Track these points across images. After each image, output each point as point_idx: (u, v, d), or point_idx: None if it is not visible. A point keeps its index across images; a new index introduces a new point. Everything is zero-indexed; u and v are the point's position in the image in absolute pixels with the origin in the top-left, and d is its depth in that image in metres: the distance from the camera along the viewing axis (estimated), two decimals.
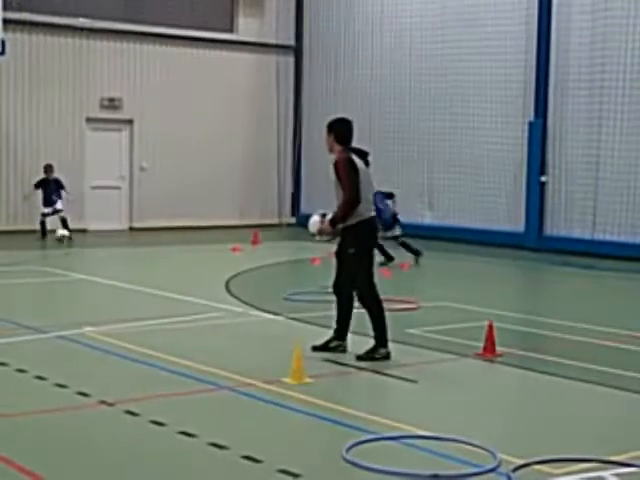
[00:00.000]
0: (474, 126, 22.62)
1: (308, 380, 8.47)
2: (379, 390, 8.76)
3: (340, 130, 9.72)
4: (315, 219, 9.90)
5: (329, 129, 9.75)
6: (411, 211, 22.80)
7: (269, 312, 12.27)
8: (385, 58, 24.92)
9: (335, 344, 9.78)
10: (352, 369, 9.15)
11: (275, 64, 27.43)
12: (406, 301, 12.95)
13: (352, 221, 9.49)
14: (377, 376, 8.95)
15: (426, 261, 16.97)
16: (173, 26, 25.35)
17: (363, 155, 9.79)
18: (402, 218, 18.44)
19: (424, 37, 23.72)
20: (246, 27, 26.91)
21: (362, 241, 9.55)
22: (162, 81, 25.17)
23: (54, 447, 6.65)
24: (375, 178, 10.09)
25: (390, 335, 9.60)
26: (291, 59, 27.74)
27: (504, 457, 6.37)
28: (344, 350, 9.72)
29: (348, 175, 9.45)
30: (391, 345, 9.57)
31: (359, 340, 9.82)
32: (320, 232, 9.83)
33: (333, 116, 10.17)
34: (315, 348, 9.77)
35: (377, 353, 9.49)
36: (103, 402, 7.67)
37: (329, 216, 9.68)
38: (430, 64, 23.58)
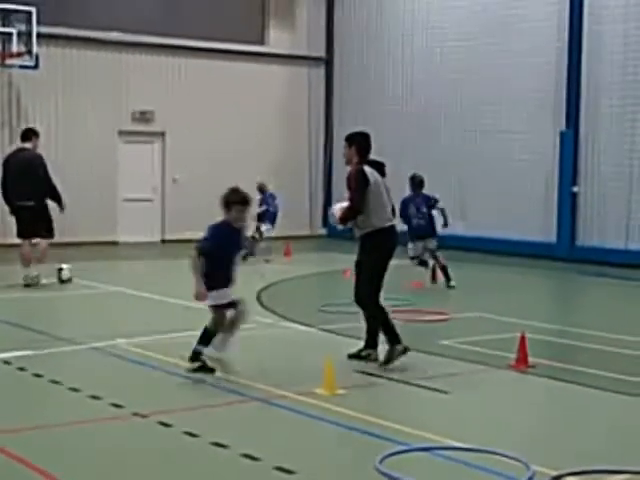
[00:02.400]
0: (505, 136, 22.55)
1: (340, 391, 8.46)
2: (411, 401, 8.74)
3: (362, 144, 9.91)
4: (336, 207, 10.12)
5: (350, 142, 9.92)
6: None
7: (301, 323, 12.28)
8: (415, 69, 24.91)
9: (366, 353, 9.86)
10: (384, 380, 9.15)
11: (306, 76, 27.52)
12: (438, 312, 12.91)
13: (367, 230, 9.68)
14: (409, 387, 8.93)
15: (458, 272, 16.90)
16: (204, 39, 25.46)
17: (379, 166, 9.88)
18: None
19: (455, 47, 23.70)
20: (277, 39, 27.02)
21: (375, 249, 9.70)
22: (194, 93, 25.27)
23: (88, 459, 6.67)
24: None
25: (422, 346, 9.60)
26: (322, 71, 27.80)
27: (537, 468, 6.34)
28: (375, 359, 9.75)
29: (358, 187, 9.62)
30: (423, 356, 9.57)
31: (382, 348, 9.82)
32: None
33: (362, 129, 10.24)
34: (350, 356, 9.89)
35: (394, 352, 9.53)
36: (136, 414, 7.70)
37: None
38: (461, 74, 23.53)
